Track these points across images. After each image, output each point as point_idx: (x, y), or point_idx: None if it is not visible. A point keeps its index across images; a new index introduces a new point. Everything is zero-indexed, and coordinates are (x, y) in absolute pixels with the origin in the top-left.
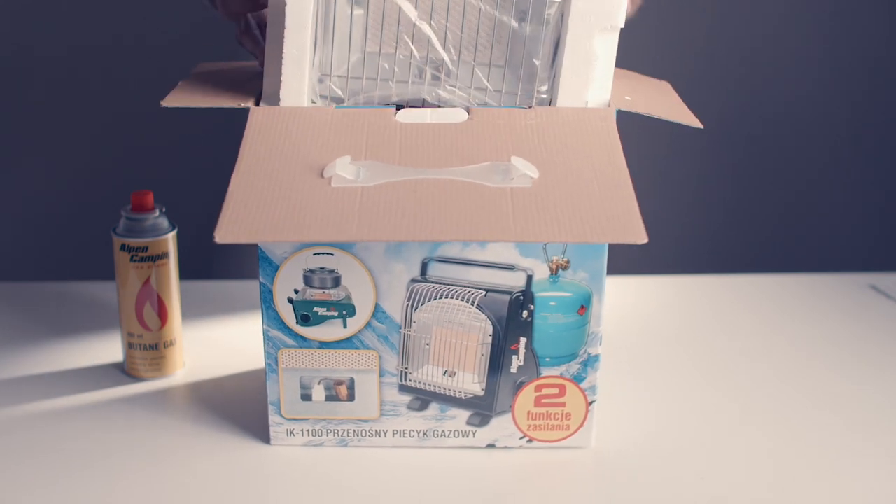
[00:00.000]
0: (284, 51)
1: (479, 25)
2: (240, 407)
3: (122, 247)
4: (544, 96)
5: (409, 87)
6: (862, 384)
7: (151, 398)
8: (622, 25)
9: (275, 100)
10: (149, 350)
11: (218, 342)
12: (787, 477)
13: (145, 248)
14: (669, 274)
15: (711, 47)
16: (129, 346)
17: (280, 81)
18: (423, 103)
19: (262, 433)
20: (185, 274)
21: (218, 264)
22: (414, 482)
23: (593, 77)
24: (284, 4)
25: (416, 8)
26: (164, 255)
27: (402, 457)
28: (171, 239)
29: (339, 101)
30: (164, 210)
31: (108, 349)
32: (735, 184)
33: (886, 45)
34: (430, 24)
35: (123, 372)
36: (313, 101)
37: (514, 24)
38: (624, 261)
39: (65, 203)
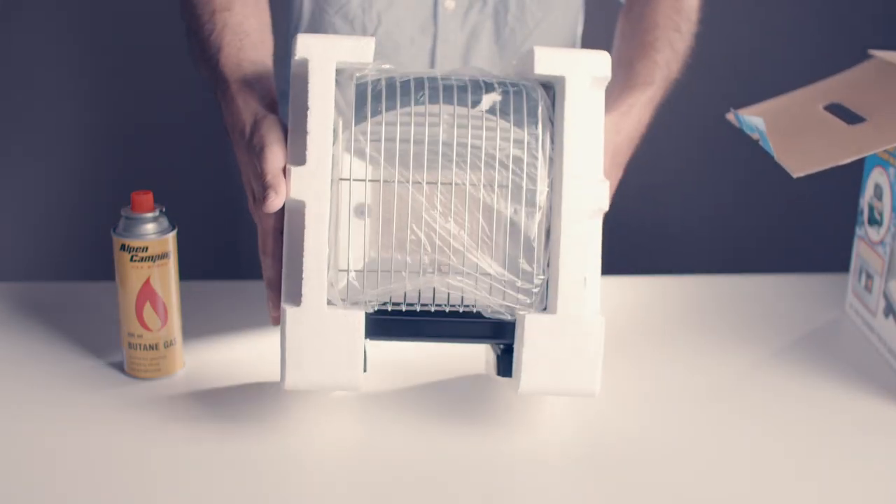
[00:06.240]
0: (305, 253)
1: (480, 215)
2: (240, 407)
3: (122, 247)
4: (542, 277)
5: (421, 278)
6: (862, 385)
7: (151, 398)
8: (607, 207)
9: (297, 298)
10: (149, 350)
11: (218, 342)
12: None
13: (145, 248)
14: (668, 274)
15: (712, 48)
16: (129, 346)
17: (302, 281)
18: (434, 292)
19: (262, 432)
20: (185, 274)
21: (218, 264)
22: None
23: (588, 256)
24: (304, 207)
25: (423, 199)
26: (164, 255)
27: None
28: (171, 239)
29: (356, 292)
30: (164, 210)
31: (108, 349)
32: (735, 184)
33: (889, 43)
34: (436, 217)
35: (123, 372)
36: (331, 302)
37: (511, 212)
38: (623, 261)
39: (65, 203)
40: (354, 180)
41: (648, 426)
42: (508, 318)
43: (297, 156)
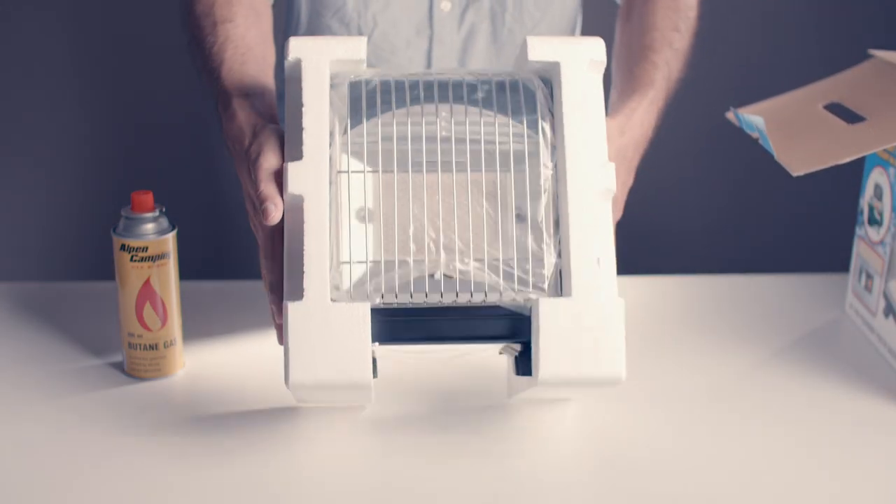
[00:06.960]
0: (305, 247)
1: (485, 207)
2: (240, 407)
3: (122, 247)
4: (554, 260)
5: (427, 263)
6: (862, 385)
7: (151, 398)
8: (614, 189)
9: (299, 293)
10: (149, 350)
11: (218, 342)
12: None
13: (145, 248)
14: (668, 274)
15: (711, 47)
16: (129, 346)
17: (303, 276)
18: (442, 285)
19: (262, 432)
20: (185, 274)
21: (218, 264)
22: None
23: (599, 237)
24: (302, 202)
25: (425, 197)
26: (164, 255)
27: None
28: (171, 239)
29: (361, 284)
30: (164, 210)
31: (108, 349)
32: (735, 184)
33: (888, 43)
34: (440, 213)
35: (123, 372)
36: (334, 300)
37: (517, 200)
38: (623, 261)
39: (65, 203)
40: (353, 172)
41: (648, 426)
42: (521, 301)
43: (295, 153)
